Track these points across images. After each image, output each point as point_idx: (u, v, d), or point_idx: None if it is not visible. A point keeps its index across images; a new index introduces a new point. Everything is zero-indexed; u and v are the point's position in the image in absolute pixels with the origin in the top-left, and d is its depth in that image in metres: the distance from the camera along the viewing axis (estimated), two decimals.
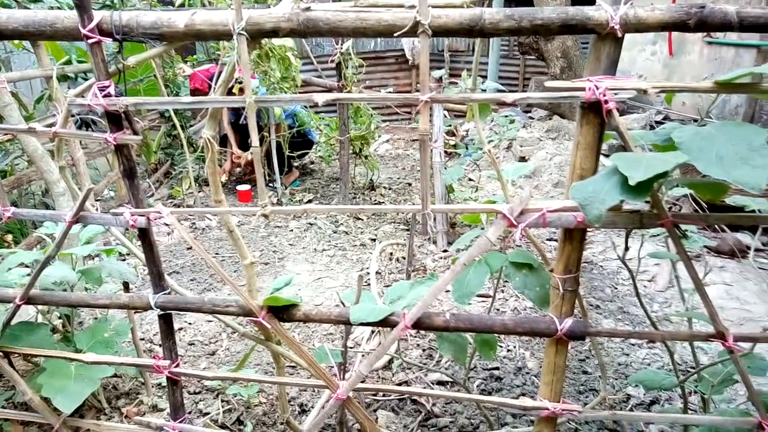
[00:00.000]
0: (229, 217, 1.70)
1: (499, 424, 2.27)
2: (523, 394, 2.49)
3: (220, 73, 3.31)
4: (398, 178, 6.26)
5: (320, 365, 1.70)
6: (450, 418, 2.36)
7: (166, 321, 1.74)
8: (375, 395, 2.50)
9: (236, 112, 5.53)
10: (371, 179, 5.69)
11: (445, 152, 4.59)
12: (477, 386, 2.59)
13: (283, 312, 1.67)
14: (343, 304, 1.82)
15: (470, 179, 5.89)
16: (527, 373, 2.66)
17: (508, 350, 2.83)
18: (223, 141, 5.90)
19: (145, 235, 1.65)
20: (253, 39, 1.38)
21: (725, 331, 1.45)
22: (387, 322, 1.62)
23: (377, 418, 2.36)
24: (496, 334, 1.98)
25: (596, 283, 3.62)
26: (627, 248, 1.69)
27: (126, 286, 2.30)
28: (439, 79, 4.35)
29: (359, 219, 4.96)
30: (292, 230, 4.63)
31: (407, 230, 4.70)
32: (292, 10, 1.34)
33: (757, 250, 4.03)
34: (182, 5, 5.07)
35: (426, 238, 4.52)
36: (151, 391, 2.46)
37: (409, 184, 6.03)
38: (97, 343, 2.14)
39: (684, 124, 1.29)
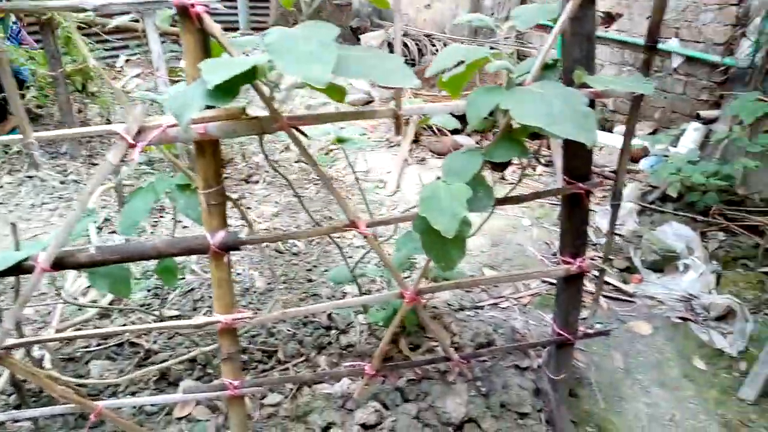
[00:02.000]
0: None
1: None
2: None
3: None
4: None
5: None
6: (170, 352, 2.33)
7: None
8: (87, 346, 2.34)
9: None
10: (108, 119, 5.12)
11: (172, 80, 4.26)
12: (204, 313, 2.58)
13: None
14: None
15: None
16: (254, 291, 2.73)
17: (238, 273, 2.86)
18: None
19: None
20: None
21: (356, 220, 1.61)
22: (23, 269, 1.47)
23: (90, 370, 2.23)
24: (175, 260, 1.95)
25: (332, 197, 3.81)
26: (265, 156, 1.73)
27: None
28: None
29: (94, 164, 4.47)
30: (2, 186, 3.98)
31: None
32: None
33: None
34: None
35: None
36: None
37: None
38: None
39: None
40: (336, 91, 1.61)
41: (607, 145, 4.47)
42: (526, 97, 1.41)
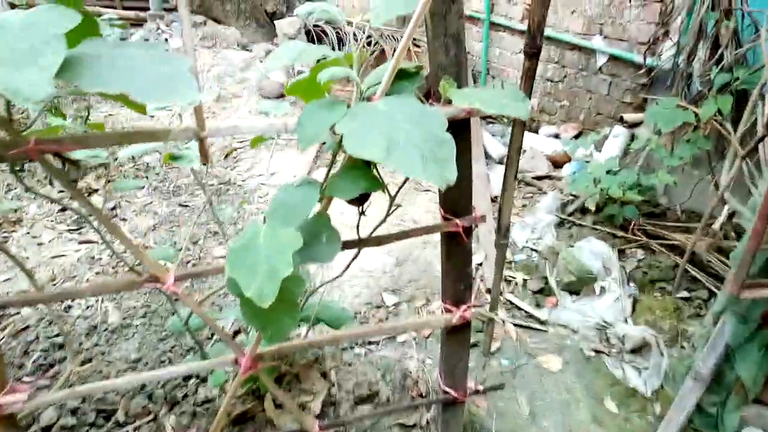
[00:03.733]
0: None
1: None
2: (88, 360, 2.11)
3: None
4: None
5: None
6: None
7: None
8: None
9: None
10: None
11: None
12: (33, 362, 2.11)
13: None
14: None
15: None
16: (105, 329, 2.28)
17: (88, 307, 2.39)
18: None
19: None
20: None
21: (160, 275, 1.21)
22: None
23: None
24: None
25: (223, 206, 3.37)
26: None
27: None
28: None
29: None
30: None
31: None
32: None
33: None
34: None
35: None
36: None
37: None
38: None
39: None
40: (134, 102, 1.21)
41: (530, 148, 4.22)
42: (365, 117, 1.05)
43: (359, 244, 1.38)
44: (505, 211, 1.38)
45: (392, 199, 1.41)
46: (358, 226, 1.42)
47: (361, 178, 1.18)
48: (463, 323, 1.55)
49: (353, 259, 1.54)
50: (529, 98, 1.18)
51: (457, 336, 1.59)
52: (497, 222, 1.42)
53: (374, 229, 1.39)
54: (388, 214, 1.42)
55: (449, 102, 1.18)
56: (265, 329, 1.18)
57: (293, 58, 1.17)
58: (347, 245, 1.37)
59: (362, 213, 1.39)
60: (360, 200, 1.32)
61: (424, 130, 1.03)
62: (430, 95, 1.25)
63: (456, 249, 1.46)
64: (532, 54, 1.15)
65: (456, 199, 1.38)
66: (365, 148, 0.98)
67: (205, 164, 1.14)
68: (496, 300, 1.59)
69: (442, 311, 1.59)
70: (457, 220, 1.39)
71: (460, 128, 1.27)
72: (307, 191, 1.18)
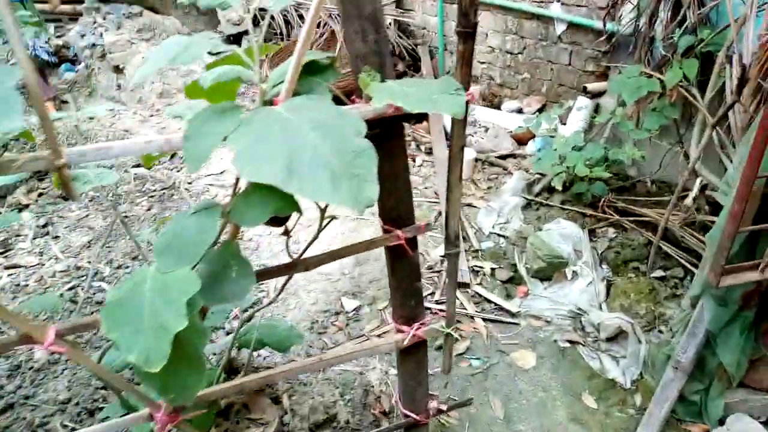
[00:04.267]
0: None
1: None
2: (9, 407, 1.88)
3: None
4: None
5: None
6: None
7: None
8: None
9: None
10: None
11: None
12: None
13: None
14: None
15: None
16: (31, 368, 2.04)
17: None
18: None
19: None
20: None
21: (34, 334, 0.99)
22: None
23: None
24: None
25: (170, 213, 3.12)
26: None
27: None
28: None
29: None
30: None
31: None
32: None
33: None
34: None
35: None
36: None
37: None
38: None
39: None
40: None
41: (493, 125, 4.04)
42: (263, 126, 0.84)
43: (287, 269, 1.18)
44: (452, 217, 1.19)
45: (323, 212, 1.21)
46: (287, 245, 1.23)
47: (272, 198, 0.97)
48: (417, 342, 1.37)
49: (284, 286, 1.35)
50: (467, 87, 0.98)
51: (412, 356, 1.41)
52: (445, 229, 1.23)
53: (302, 252, 1.19)
54: (320, 230, 1.22)
55: (369, 100, 0.98)
56: (165, 391, 0.98)
57: (171, 57, 0.94)
58: (271, 273, 1.17)
59: (286, 233, 1.19)
60: (278, 221, 1.12)
61: (337, 138, 0.82)
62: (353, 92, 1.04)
63: (401, 263, 1.28)
64: (467, 34, 0.95)
65: (395, 208, 1.19)
66: (260, 170, 0.77)
67: (70, 199, 0.92)
68: (452, 316, 1.41)
69: (394, 331, 1.41)
70: (398, 232, 1.19)
71: (390, 126, 1.07)
72: (204, 220, 0.97)
